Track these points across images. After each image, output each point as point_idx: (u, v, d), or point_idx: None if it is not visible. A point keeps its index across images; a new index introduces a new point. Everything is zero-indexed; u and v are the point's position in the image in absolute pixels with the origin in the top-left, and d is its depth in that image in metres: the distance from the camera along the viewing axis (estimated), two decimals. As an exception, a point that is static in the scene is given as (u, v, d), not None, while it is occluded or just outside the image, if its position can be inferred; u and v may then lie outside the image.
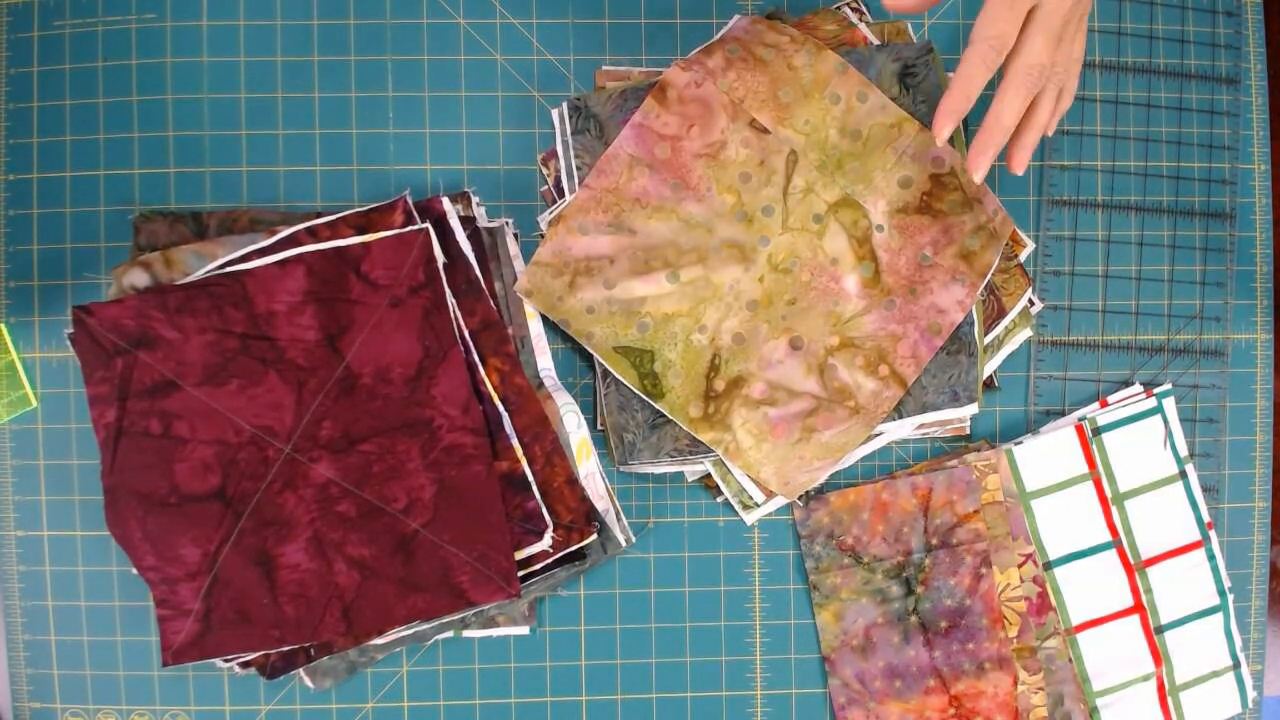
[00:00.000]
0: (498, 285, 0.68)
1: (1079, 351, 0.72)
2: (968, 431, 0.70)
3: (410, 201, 0.66)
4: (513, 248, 0.68)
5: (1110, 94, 0.72)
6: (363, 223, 0.66)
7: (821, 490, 0.70)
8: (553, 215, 0.68)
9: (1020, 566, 0.70)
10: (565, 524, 0.66)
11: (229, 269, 0.65)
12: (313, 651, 0.66)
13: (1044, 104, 0.58)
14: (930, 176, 0.68)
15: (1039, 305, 0.71)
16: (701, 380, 0.67)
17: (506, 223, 0.68)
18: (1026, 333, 0.71)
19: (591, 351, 0.67)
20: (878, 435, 0.69)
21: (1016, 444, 0.70)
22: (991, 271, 0.68)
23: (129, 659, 0.68)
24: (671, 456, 0.68)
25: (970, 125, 0.71)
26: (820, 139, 0.67)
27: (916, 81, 0.68)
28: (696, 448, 0.68)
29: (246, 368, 0.64)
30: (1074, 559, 0.70)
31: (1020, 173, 0.60)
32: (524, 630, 0.69)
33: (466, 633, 0.68)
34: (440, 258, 0.66)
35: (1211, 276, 0.72)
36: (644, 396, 0.67)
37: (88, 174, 0.67)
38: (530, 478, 0.66)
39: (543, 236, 0.68)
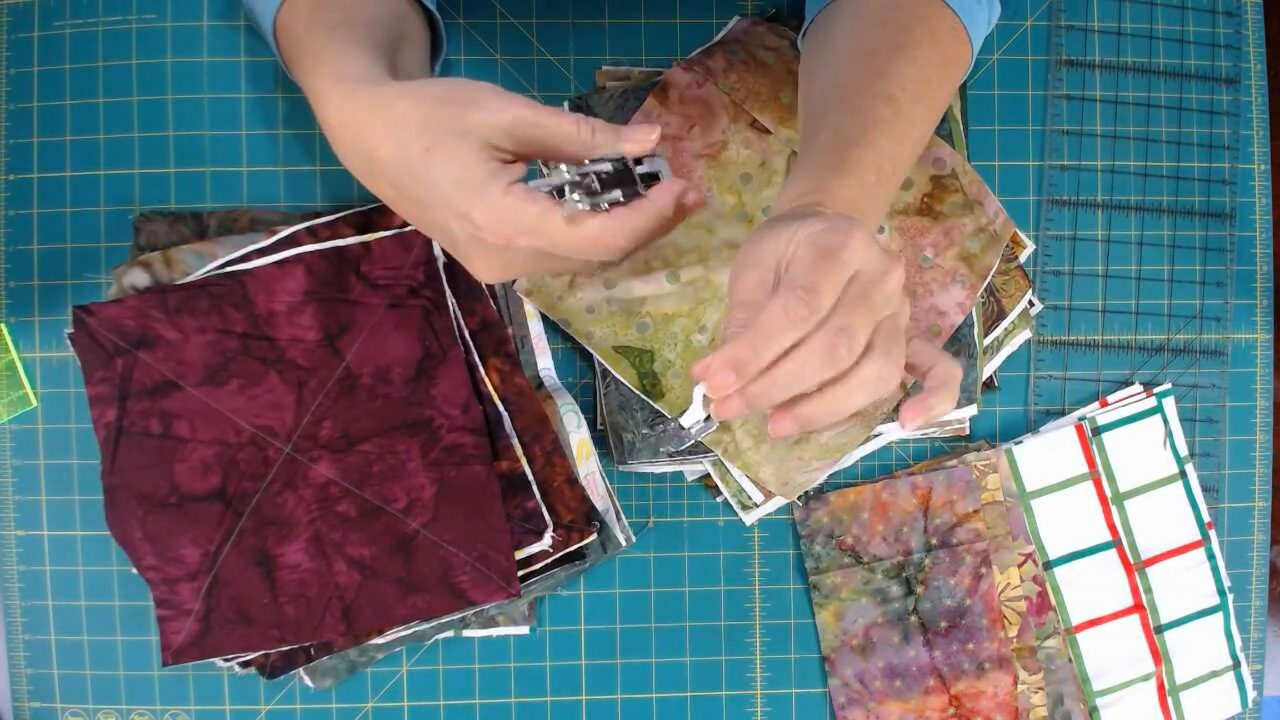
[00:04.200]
0: (497, 285, 0.68)
1: (1079, 351, 0.72)
2: (968, 431, 0.70)
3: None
4: (513, 248, 0.68)
5: (1110, 94, 0.71)
6: (363, 223, 0.66)
7: (821, 490, 0.70)
8: (553, 215, 0.68)
9: (1020, 566, 0.70)
10: (565, 524, 0.66)
11: (229, 269, 0.65)
12: (313, 651, 0.66)
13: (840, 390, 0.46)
14: (931, 178, 0.68)
15: (1039, 306, 0.71)
16: (701, 380, 0.67)
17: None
18: (1026, 334, 0.71)
19: (591, 351, 0.67)
20: (878, 435, 0.69)
21: (1016, 444, 0.70)
22: (992, 273, 0.68)
23: (129, 659, 0.68)
24: (671, 457, 0.68)
25: (969, 122, 0.71)
26: (820, 139, 0.67)
27: (916, 81, 0.68)
28: (696, 448, 0.67)
29: (246, 368, 0.64)
30: (1074, 559, 0.70)
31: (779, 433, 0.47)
32: (524, 630, 0.69)
33: (466, 633, 0.68)
34: (440, 257, 0.66)
35: (1211, 276, 0.72)
36: (644, 396, 0.67)
37: (88, 174, 0.67)
38: (530, 478, 0.66)
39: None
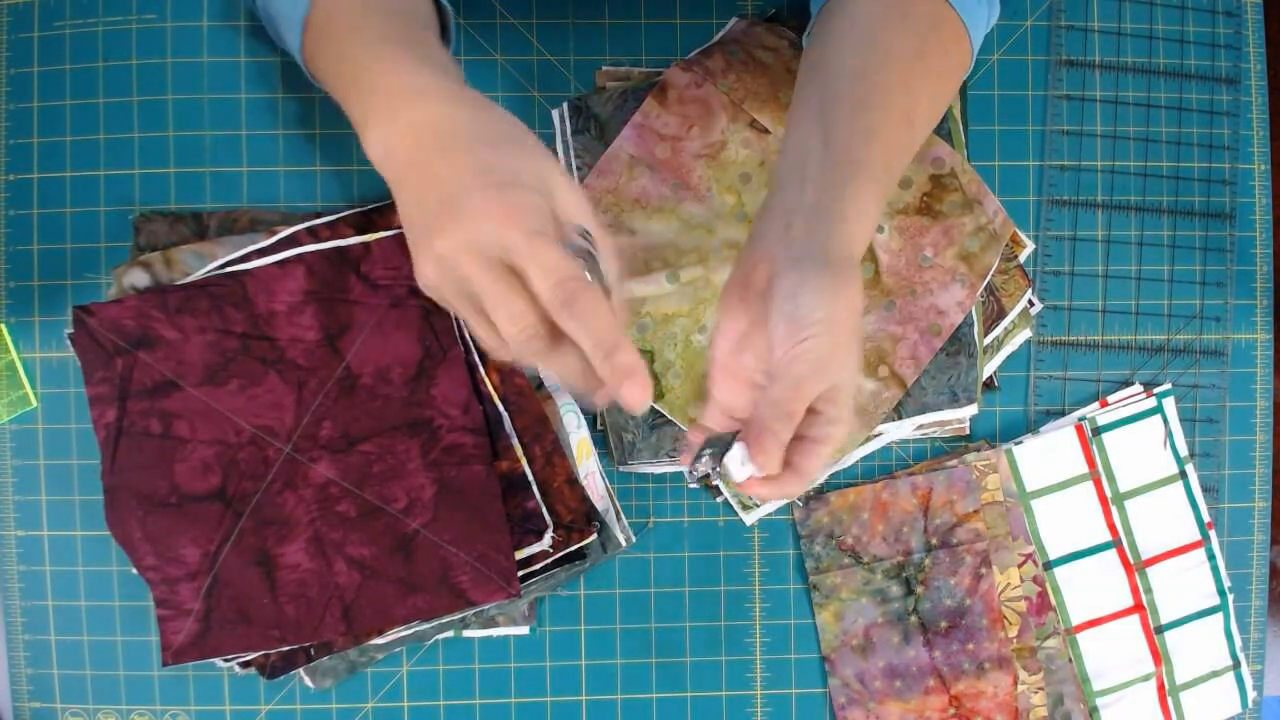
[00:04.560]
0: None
1: (1079, 351, 0.72)
2: (968, 431, 0.70)
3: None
4: (513, 248, 0.68)
5: (1110, 94, 0.71)
6: (363, 223, 0.66)
7: (821, 490, 0.70)
8: (553, 215, 0.68)
9: (1020, 566, 0.70)
10: (565, 524, 0.66)
11: (229, 269, 0.65)
12: (313, 651, 0.66)
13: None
14: (930, 177, 0.68)
15: (1038, 306, 0.71)
16: (701, 380, 0.67)
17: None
18: (1026, 333, 0.71)
19: (591, 351, 0.67)
20: (878, 435, 0.69)
21: (1016, 444, 0.70)
22: (991, 273, 0.68)
23: (129, 659, 0.68)
24: (671, 456, 0.68)
25: (969, 122, 0.71)
26: (820, 139, 0.67)
27: (916, 81, 0.68)
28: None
29: (246, 368, 0.64)
30: (1074, 559, 0.70)
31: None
32: (524, 630, 0.69)
33: (466, 633, 0.68)
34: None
35: (1211, 276, 0.72)
36: (644, 396, 0.67)
37: (88, 174, 0.67)
38: (530, 478, 0.66)
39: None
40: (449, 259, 0.48)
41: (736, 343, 0.53)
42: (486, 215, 0.47)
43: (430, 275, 0.49)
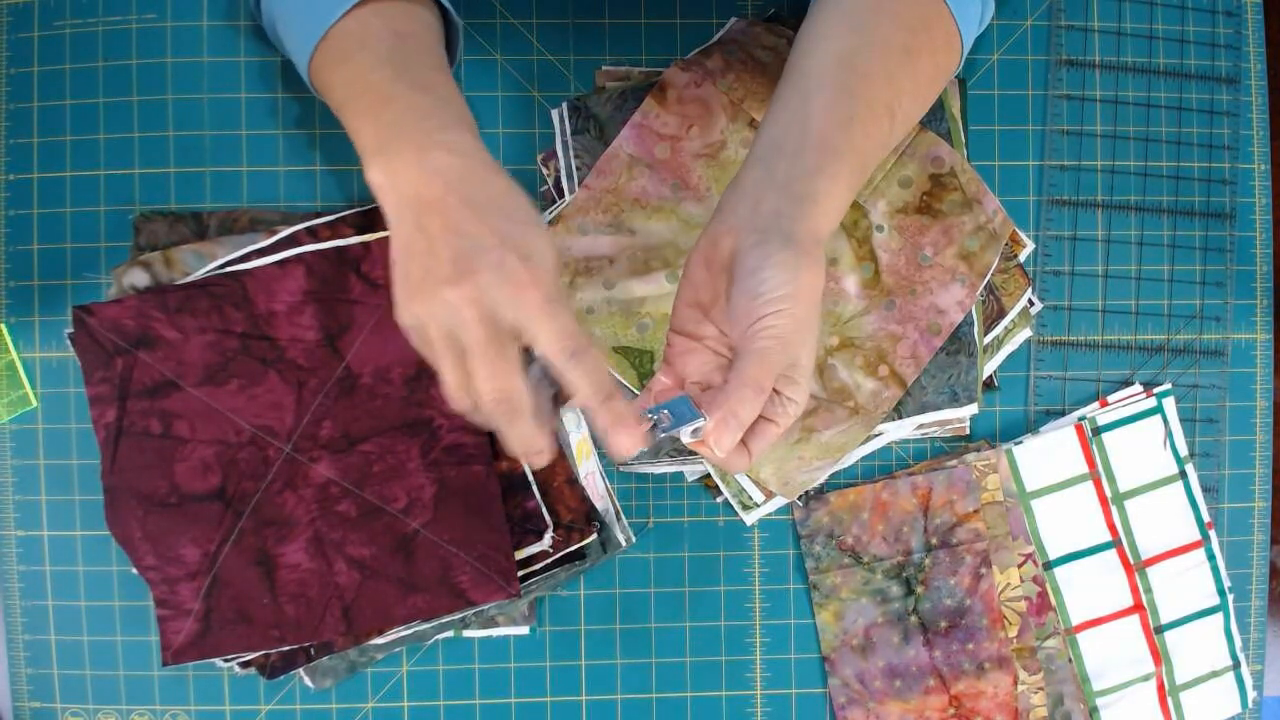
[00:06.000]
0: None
1: (1079, 351, 0.72)
2: (968, 431, 0.70)
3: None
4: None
5: (1110, 94, 0.71)
6: (363, 223, 0.66)
7: (821, 490, 0.70)
8: (552, 215, 0.68)
9: (1020, 566, 0.70)
10: (565, 524, 0.66)
11: (229, 269, 0.65)
12: (313, 651, 0.66)
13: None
14: (930, 176, 0.68)
15: (1038, 305, 0.71)
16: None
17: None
18: (1026, 333, 0.71)
19: (591, 351, 0.67)
20: (878, 435, 0.69)
21: (1016, 444, 0.70)
22: (991, 272, 0.68)
23: (129, 659, 0.68)
24: (671, 456, 0.68)
25: (969, 122, 0.71)
26: (820, 139, 0.67)
27: (916, 81, 0.68)
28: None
29: (246, 368, 0.64)
30: (1074, 559, 0.70)
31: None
32: (524, 630, 0.69)
33: (466, 633, 0.68)
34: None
35: (1211, 276, 0.72)
36: (644, 396, 0.67)
37: (88, 174, 0.67)
38: (530, 478, 0.66)
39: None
40: (454, 306, 0.49)
41: (698, 312, 0.54)
42: (507, 277, 0.49)
43: (421, 314, 0.51)
